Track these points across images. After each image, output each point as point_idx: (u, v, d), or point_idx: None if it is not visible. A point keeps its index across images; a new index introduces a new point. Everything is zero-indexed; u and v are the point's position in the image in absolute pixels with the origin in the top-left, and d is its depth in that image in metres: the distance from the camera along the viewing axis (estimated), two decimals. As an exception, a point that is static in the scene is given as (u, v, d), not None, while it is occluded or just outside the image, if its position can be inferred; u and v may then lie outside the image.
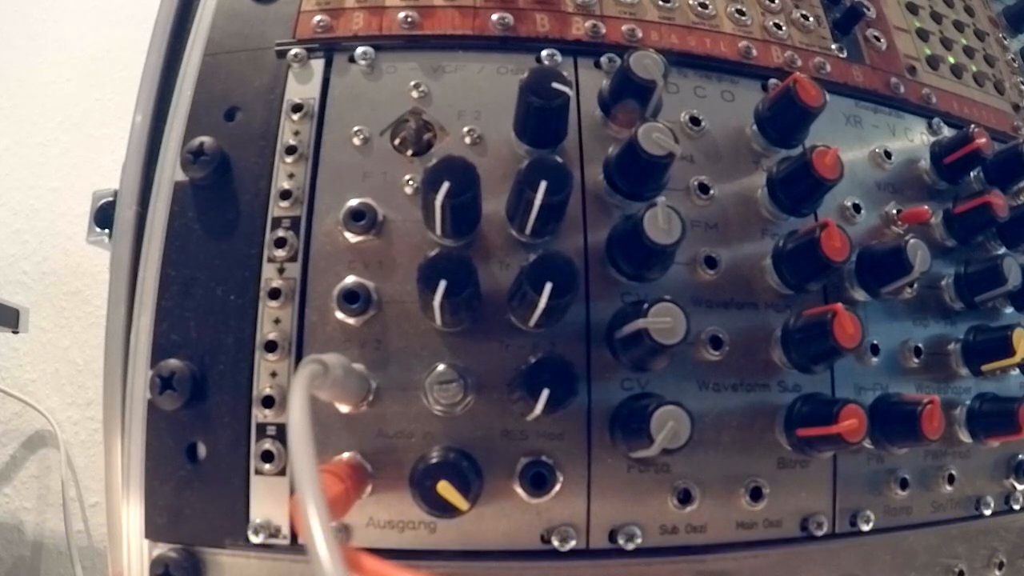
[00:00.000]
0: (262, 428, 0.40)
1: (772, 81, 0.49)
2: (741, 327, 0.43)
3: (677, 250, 0.39)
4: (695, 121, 0.47)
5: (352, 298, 0.40)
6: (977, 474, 0.49)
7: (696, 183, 0.45)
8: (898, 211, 0.49)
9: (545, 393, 0.35)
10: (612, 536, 0.40)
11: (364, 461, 0.39)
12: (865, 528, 0.44)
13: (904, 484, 0.46)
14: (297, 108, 0.44)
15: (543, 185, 0.36)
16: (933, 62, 0.57)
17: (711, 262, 0.44)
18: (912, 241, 0.43)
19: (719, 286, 0.44)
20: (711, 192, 0.45)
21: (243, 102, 0.45)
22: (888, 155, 0.51)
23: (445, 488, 0.35)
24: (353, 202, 0.41)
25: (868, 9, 0.55)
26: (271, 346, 0.40)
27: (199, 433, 0.40)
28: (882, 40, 0.56)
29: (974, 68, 0.60)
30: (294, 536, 0.39)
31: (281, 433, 0.40)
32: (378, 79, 0.45)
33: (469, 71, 0.46)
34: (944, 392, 0.48)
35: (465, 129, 0.44)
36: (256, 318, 0.41)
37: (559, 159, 0.38)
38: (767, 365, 0.44)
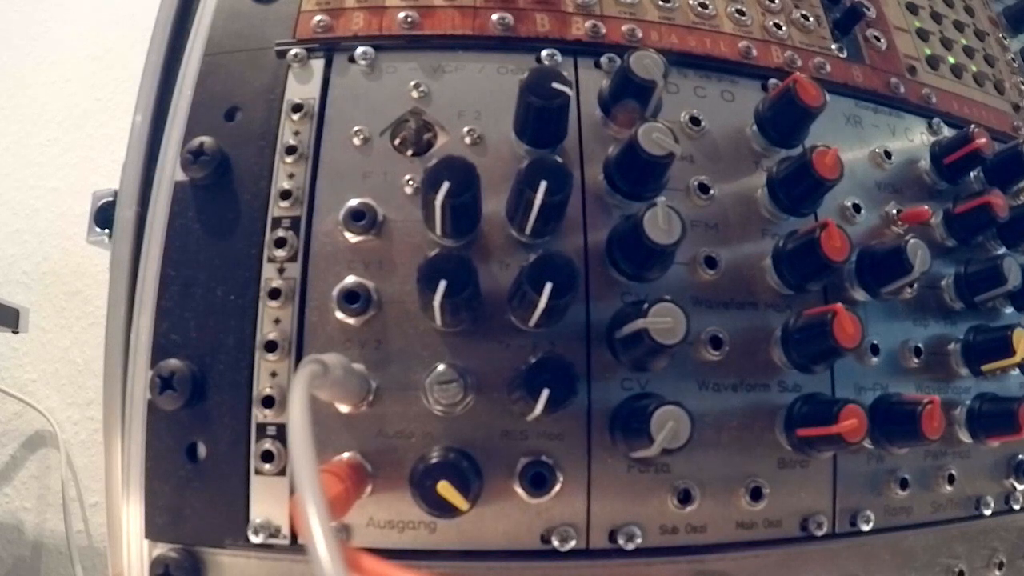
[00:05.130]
0: (262, 428, 0.40)
1: (772, 81, 0.49)
2: (741, 327, 0.43)
3: (677, 250, 0.39)
4: (695, 121, 0.47)
5: (352, 298, 0.40)
6: (977, 474, 0.49)
7: (696, 183, 0.45)
8: (898, 211, 0.49)
9: (545, 393, 0.35)
10: (612, 536, 0.40)
11: (364, 461, 0.39)
12: (865, 528, 0.44)
13: (904, 484, 0.46)
14: (297, 108, 0.44)
15: (543, 185, 0.36)
16: (933, 62, 0.57)
17: (711, 262, 0.44)
18: (912, 241, 0.43)
19: (719, 286, 0.44)
20: (711, 192, 0.45)
21: (243, 102, 0.45)
22: (888, 155, 0.51)
23: (445, 488, 0.35)
24: (353, 202, 0.41)
25: (868, 9, 0.55)
26: (271, 346, 0.40)
27: (199, 433, 0.40)
28: (882, 40, 0.56)
29: (974, 68, 0.60)
30: (294, 536, 0.39)
31: (281, 433, 0.40)
32: (378, 79, 0.45)
33: (469, 71, 0.46)
34: (944, 392, 0.48)
35: (465, 129, 0.44)
36: (256, 318, 0.41)
37: (559, 159, 0.38)
38: (767, 365, 0.44)
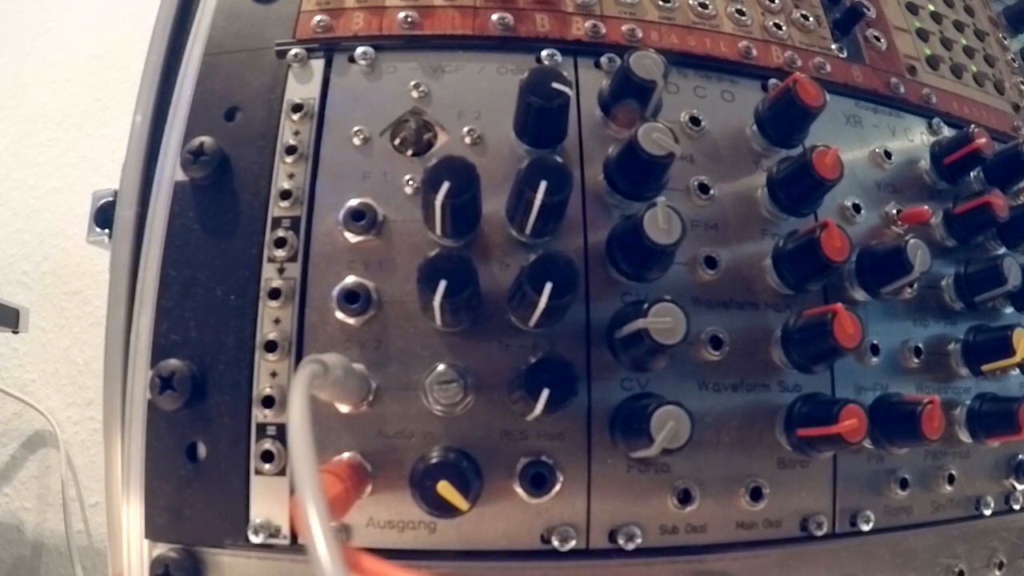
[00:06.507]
0: (262, 428, 0.40)
1: (772, 81, 0.49)
2: (741, 327, 0.43)
3: (677, 250, 0.39)
4: (695, 121, 0.47)
5: (352, 298, 0.40)
6: (977, 474, 0.49)
7: (696, 183, 0.45)
8: (898, 211, 0.49)
9: (545, 393, 0.35)
10: (612, 536, 0.40)
11: (364, 461, 0.39)
12: (865, 528, 0.44)
13: (904, 484, 0.46)
14: (297, 108, 0.44)
15: (543, 185, 0.36)
16: (933, 62, 0.57)
17: (711, 262, 0.44)
18: (912, 241, 0.43)
19: (719, 286, 0.44)
20: (711, 192, 0.45)
21: (243, 102, 0.45)
22: (888, 155, 0.51)
23: (445, 488, 0.35)
24: (353, 202, 0.41)
25: (868, 9, 0.55)
26: (271, 346, 0.40)
27: (199, 433, 0.40)
28: (882, 40, 0.56)
29: (974, 68, 0.60)
30: (294, 536, 0.39)
31: (281, 433, 0.40)
32: (378, 79, 0.45)
33: (469, 71, 0.46)
34: (944, 392, 0.48)
35: (465, 129, 0.44)
36: (256, 318, 0.41)
37: (559, 159, 0.38)
38: (767, 365, 0.44)
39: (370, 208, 0.41)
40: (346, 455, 0.39)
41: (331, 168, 0.43)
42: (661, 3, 0.50)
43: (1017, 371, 0.51)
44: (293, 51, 0.45)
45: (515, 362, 0.40)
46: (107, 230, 0.49)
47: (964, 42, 0.61)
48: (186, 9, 0.50)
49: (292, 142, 0.43)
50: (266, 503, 0.39)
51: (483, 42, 0.46)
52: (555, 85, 0.39)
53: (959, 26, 0.62)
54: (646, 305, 0.37)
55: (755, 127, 0.47)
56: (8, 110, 1.23)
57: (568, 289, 0.35)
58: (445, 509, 0.36)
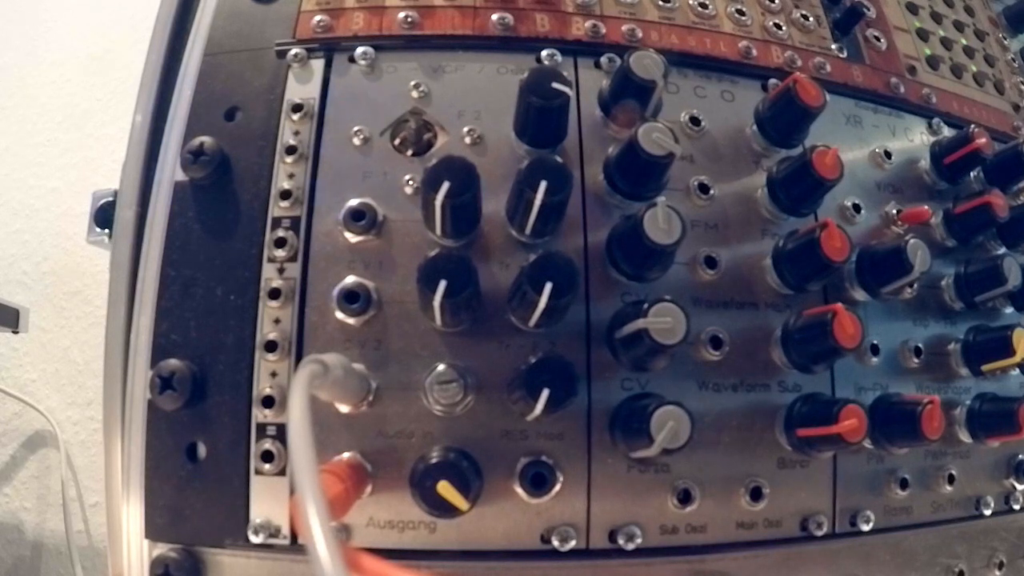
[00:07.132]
0: (262, 428, 0.40)
1: (772, 81, 0.49)
2: (741, 327, 0.43)
3: (677, 250, 0.39)
4: (695, 121, 0.47)
5: (352, 298, 0.40)
6: (977, 474, 0.49)
7: (696, 183, 0.45)
8: (898, 211, 0.49)
9: (545, 393, 0.35)
10: (612, 536, 0.40)
11: (364, 461, 0.39)
12: (865, 528, 0.44)
13: (904, 484, 0.46)
14: (297, 108, 0.44)
15: (543, 185, 0.36)
16: (933, 62, 0.57)
17: (711, 262, 0.44)
18: (912, 241, 0.43)
19: (719, 286, 0.44)
20: (711, 192, 0.45)
21: (243, 102, 0.45)
22: (888, 155, 0.51)
23: (445, 488, 0.35)
24: (353, 202, 0.41)
25: (868, 9, 0.55)
26: (271, 346, 0.40)
27: (199, 433, 0.40)
28: (882, 40, 0.56)
29: (974, 68, 0.60)
30: (294, 536, 0.39)
31: (281, 433, 0.40)
32: (378, 79, 0.45)
33: (469, 71, 0.46)
34: (944, 392, 0.48)
35: (465, 129, 0.44)
36: (256, 318, 0.41)
37: (559, 159, 0.38)
38: (767, 365, 0.44)
39: (370, 208, 0.41)
40: (346, 455, 0.39)
41: (331, 168, 0.43)
42: (661, 3, 0.50)
43: (1017, 371, 0.51)
44: (293, 51, 0.45)
45: (515, 362, 0.40)
46: (107, 230, 0.49)
47: (964, 42, 0.61)
48: (186, 9, 0.50)
49: (292, 142, 0.43)
50: (266, 503, 0.39)
51: (483, 42, 0.46)
52: (555, 85, 0.39)
53: (959, 26, 0.62)
54: (646, 305, 0.37)
55: (755, 127, 0.47)
56: (8, 110, 1.23)
57: (568, 289, 0.35)
58: (445, 509, 0.36)
